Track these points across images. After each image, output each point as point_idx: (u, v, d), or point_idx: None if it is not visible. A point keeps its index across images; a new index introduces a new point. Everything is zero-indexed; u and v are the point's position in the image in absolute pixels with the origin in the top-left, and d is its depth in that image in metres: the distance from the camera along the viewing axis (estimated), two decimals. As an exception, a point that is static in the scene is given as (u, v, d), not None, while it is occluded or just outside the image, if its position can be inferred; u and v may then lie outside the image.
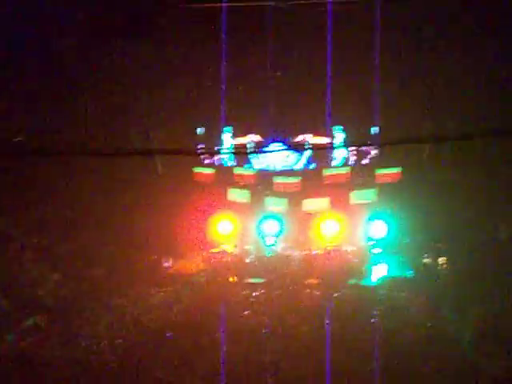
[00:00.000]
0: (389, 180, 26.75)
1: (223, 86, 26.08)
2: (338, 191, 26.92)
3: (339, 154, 27.72)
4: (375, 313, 20.71)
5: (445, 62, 25.72)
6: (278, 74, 26.39)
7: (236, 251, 26.93)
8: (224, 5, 25.65)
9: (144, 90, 27.21)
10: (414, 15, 25.59)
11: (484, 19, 24.68)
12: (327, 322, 19.96)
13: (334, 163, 27.74)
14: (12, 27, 24.29)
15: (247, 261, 26.28)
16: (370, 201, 26.95)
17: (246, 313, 21.17)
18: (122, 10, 26.00)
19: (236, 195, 28.33)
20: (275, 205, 27.62)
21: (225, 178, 28.48)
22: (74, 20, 25.70)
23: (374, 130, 26.73)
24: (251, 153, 28.08)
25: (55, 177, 24.76)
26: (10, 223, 23.63)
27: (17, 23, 24.39)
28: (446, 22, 25.62)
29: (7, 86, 24.61)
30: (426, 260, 24.59)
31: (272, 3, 26.07)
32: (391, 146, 24.45)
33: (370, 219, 26.57)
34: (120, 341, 19.31)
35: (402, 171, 26.72)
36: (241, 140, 28.38)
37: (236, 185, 28.35)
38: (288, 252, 26.43)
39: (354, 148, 27.60)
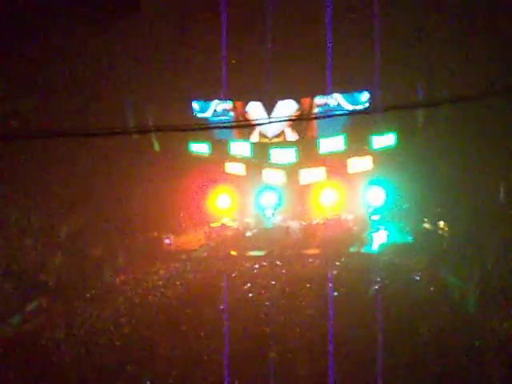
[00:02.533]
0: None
1: (216, 60, 25.87)
2: (335, 160, 26.92)
3: (334, 123, 27.50)
4: (377, 279, 20.73)
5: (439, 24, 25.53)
6: (269, 45, 26.09)
7: (236, 225, 27.01)
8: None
9: (138, 67, 27.08)
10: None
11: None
12: (330, 291, 20.00)
13: (329, 132, 27.52)
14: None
15: (247, 234, 26.35)
16: (366, 168, 26.94)
17: (248, 285, 21.20)
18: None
19: (233, 169, 28.33)
20: (272, 177, 27.63)
21: (221, 151, 28.45)
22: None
23: (366, 95, 26.46)
24: (247, 126, 27.96)
25: (51, 159, 24.73)
26: (9, 207, 23.64)
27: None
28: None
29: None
30: (425, 225, 24.56)
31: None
32: (385, 113, 24.28)
33: (367, 186, 26.58)
34: (124, 319, 19.37)
35: (398, 136, 26.69)
36: (235, 113, 28.26)
37: (233, 158, 28.34)
38: (288, 223, 26.45)
39: (348, 116, 27.33)
